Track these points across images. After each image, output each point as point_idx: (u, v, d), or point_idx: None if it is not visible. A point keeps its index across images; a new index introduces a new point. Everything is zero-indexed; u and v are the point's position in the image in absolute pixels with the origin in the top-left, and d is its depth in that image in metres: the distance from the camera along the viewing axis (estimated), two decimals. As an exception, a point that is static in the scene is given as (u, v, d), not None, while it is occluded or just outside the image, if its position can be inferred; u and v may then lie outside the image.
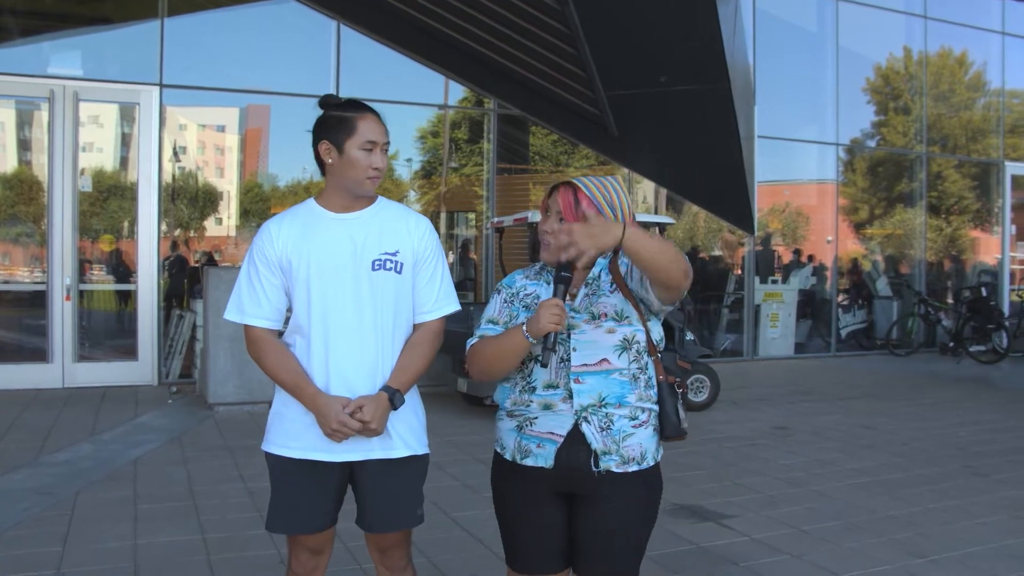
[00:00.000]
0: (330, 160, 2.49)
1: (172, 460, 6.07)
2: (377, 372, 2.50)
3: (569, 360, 2.32)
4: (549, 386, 2.34)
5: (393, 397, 2.47)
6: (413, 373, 2.53)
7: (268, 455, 2.57)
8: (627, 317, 2.34)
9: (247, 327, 2.52)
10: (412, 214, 2.62)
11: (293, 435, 2.50)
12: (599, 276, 2.40)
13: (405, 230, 2.55)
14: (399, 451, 2.54)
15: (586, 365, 2.31)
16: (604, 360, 2.32)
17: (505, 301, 2.46)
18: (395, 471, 2.53)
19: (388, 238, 2.51)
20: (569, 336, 2.32)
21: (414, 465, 2.58)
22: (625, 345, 2.33)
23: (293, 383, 2.47)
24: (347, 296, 2.47)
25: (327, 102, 2.53)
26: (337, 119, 2.48)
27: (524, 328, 2.26)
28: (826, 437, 7.23)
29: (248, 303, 2.51)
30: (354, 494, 2.60)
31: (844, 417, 8.20)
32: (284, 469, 2.53)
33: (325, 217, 2.53)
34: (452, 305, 2.64)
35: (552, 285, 2.32)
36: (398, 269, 2.52)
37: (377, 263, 2.50)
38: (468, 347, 2.45)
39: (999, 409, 8.82)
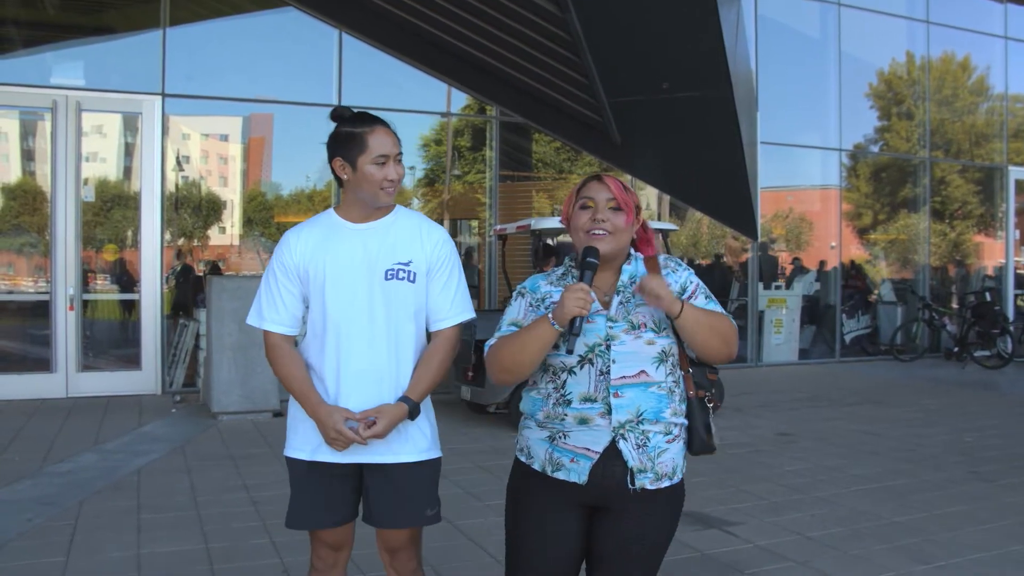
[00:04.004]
0: (345, 176, 2.55)
1: (175, 469, 6.07)
2: (388, 379, 2.57)
3: (609, 373, 2.28)
4: (586, 399, 2.29)
5: (412, 409, 2.55)
6: (428, 383, 2.61)
7: (286, 458, 2.67)
8: (665, 328, 2.32)
9: (265, 332, 2.63)
10: (427, 223, 2.67)
11: (307, 439, 2.59)
12: (632, 283, 2.36)
13: (419, 239, 2.60)
14: (409, 456, 2.59)
15: (625, 377, 2.28)
16: (642, 372, 2.29)
17: (531, 305, 2.40)
18: (405, 472, 2.59)
19: (402, 248, 2.57)
20: (608, 348, 2.28)
21: (425, 467, 2.63)
22: (662, 357, 2.31)
23: (299, 391, 2.57)
24: (360, 305, 2.54)
25: (339, 115, 2.57)
26: (347, 135, 2.53)
27: (550, 315, 2.24)
28: (831, 443, 7.20)
29: (267, 309, 2.62)
30: (363, 491, 2.66)
31: (848, 423, 8.18)
32: (300, 471, 2.63)
33: (343, 227, 2.60)
34: (467, 313, 2.67)
35: (579, 270, 2.29)
36: (411, 278, 2.57)
37: (390, 273, 2.55)
38: (487, 348, 2.41)
39: (1004, 414, 8.79)
